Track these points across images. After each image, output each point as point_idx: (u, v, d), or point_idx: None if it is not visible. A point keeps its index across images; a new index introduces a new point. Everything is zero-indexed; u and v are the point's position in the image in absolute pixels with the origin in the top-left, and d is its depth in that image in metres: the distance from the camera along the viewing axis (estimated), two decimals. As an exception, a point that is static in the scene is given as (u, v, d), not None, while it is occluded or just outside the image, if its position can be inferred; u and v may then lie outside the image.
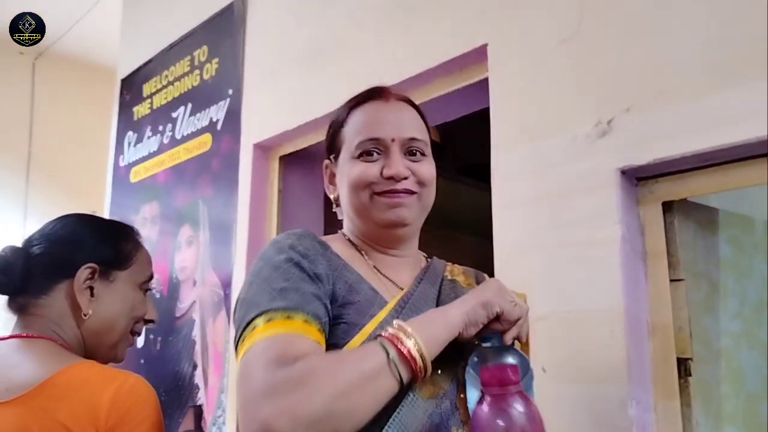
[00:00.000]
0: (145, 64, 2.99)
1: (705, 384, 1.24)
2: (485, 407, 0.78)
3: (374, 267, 0.98)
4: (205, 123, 2.50)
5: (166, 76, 2.82)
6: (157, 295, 2.56)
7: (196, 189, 2.47)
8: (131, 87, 3.09)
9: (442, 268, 1.04)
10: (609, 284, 1.22)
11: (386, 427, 0.81)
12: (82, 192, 3.98)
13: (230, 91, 2.40)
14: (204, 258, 2.34)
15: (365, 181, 0.93)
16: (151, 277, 1.18)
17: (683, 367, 1.21)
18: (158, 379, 2.41)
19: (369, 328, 0.86)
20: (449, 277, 1.01)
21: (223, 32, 2.51)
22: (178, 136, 2.65)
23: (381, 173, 0.93)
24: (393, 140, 0.94)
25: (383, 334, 0.79)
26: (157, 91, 2.87)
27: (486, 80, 1.55)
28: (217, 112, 2.45)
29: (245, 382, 0.75)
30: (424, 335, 0.78)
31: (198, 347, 2.27)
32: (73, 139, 4.41)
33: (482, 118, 1.56)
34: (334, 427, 0.72)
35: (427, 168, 0.97)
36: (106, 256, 1.10)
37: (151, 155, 2.82)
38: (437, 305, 0.93)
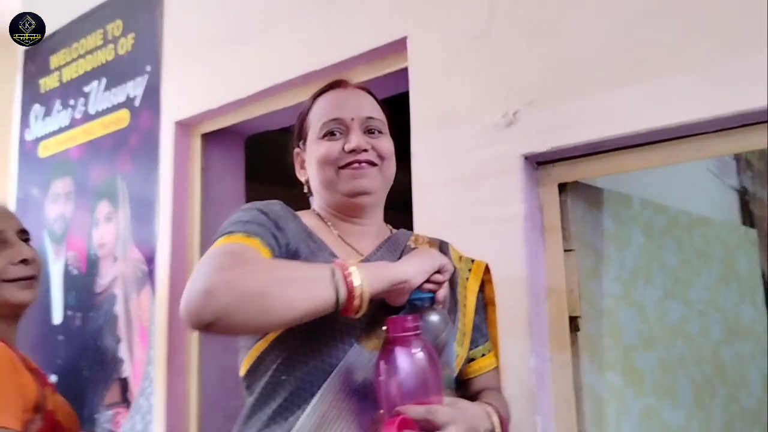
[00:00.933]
0: (52, 35, 2.89)
1: (591, 338, 1.45)
2: (389, 349, 0.88)
3: (339, 236, 1.08)
4: (122, 99, 2.49)
5: (77, 49, 2.76)
6: (75, 272, 2.55)
7: (114, 165, 2.47)
8: (36, 58, 2.98)
9: (405, 237, 1.14)
10: (513, 255, 1.41)
11: (334, 372, 0.93)
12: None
13: (148, 68, 2.40)
14: (125, 234, 2.36)
15: (330, 158, 1.04)
16: None
17: (573, 323, 1.41)
18: (79, 353, 2.43)
19: None
20: (412, 246, 1.12)
21: (138, 7, 2.50)
22: (92, 111, 2.62)
23: (343, 149, 1.04)
24: (352, 119, 1.06)
25: (335, 261, 0.90)
26: (66, 63, 2.80)
27: (406, 69, 1.69)
28: (135, 88, 2.44)
29: (198, 265, 0.86)
30: (369, 274, 0.89)
31: (121, 322, 2.30)
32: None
33: (402, 103, 1.69)
34: (264, 306, 0.81)
35: (385, 143, 1.09)
36: None
37: (61, 130, 2.76)
38: None
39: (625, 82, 1.31)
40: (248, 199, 2.39)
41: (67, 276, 2.58)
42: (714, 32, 1.22)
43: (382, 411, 0.94)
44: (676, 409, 1.68)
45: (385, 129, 1.11)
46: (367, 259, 1.05)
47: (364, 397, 0.94)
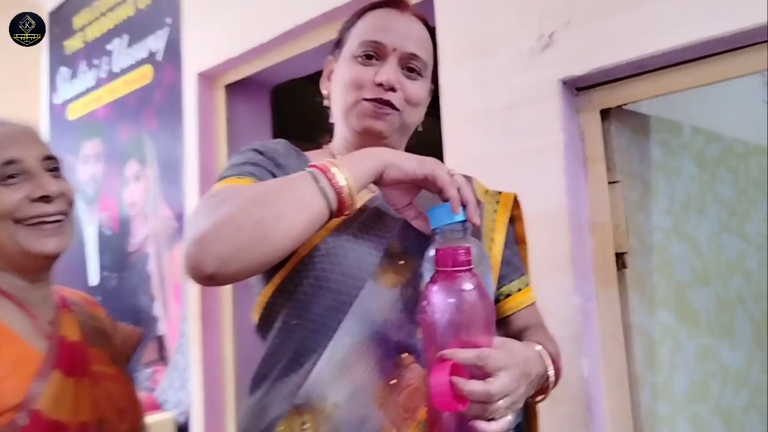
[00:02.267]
0: (73, -5, 2.86)
1: (639, 274, 1.36)
2: (436, 286, 0.77)
3: None
4: (144, 54, 2.44)
5: (98, 7, 2.71)
6: (108, 233, 2.55)
7: (139, 123, 2.43)
8: (60, 20, 2.95)
9: None
10: (553, 188, 1.31)
11: (349, 313, 0.83)
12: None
13: (168, 20, 2.34)
14: (154, 192, 2.33)
15: (357, 83, 0.94)
16: (7, 162, 0.98)
17: (620, 260, 1.32)
18: (116, 314, 2.41)
19: (334, 222, 0.86)
20: None
21: (155, -42, 2.42)
22: (115, 70, 2.58)
23: (373, 79, 0.93)
24: (394, 49, 0.94)
25: (312, 165, 0.81)
26: (89, 23, 2.76)
27: (431, 1, 1.57)
28: (156, 42, 2.39)
29: (189, 219, 0.81)
30: (352, 168, 0.80)
31: (155, 280, 2.29)
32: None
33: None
34: (262, 234, 0.74)
35: (418, 88, 0.96)
36: None
37: (88, 91, 2.74)
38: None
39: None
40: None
41: (102, 237, 2.58)
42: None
43: (405, 354, 0.86)
44: (734, 349, 1.59)
45: (427, 73, 0.99)
46: (377, 197, 0.94)
47: (385, 339, 0.86)
